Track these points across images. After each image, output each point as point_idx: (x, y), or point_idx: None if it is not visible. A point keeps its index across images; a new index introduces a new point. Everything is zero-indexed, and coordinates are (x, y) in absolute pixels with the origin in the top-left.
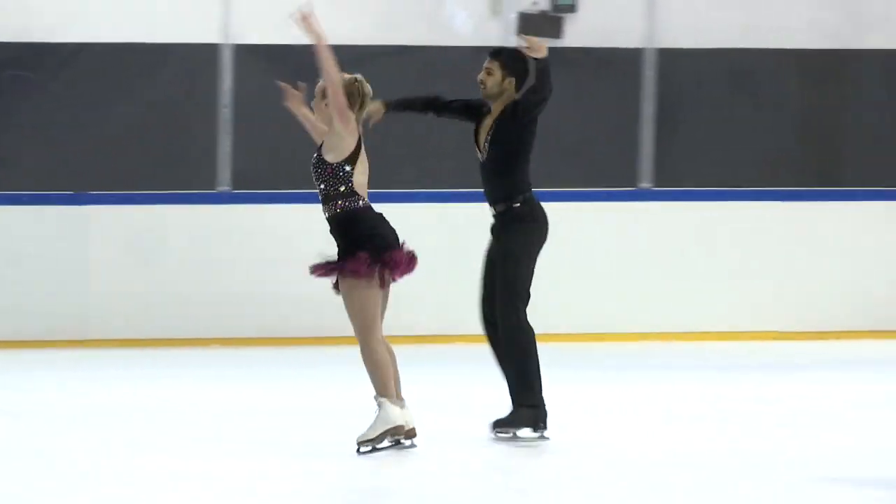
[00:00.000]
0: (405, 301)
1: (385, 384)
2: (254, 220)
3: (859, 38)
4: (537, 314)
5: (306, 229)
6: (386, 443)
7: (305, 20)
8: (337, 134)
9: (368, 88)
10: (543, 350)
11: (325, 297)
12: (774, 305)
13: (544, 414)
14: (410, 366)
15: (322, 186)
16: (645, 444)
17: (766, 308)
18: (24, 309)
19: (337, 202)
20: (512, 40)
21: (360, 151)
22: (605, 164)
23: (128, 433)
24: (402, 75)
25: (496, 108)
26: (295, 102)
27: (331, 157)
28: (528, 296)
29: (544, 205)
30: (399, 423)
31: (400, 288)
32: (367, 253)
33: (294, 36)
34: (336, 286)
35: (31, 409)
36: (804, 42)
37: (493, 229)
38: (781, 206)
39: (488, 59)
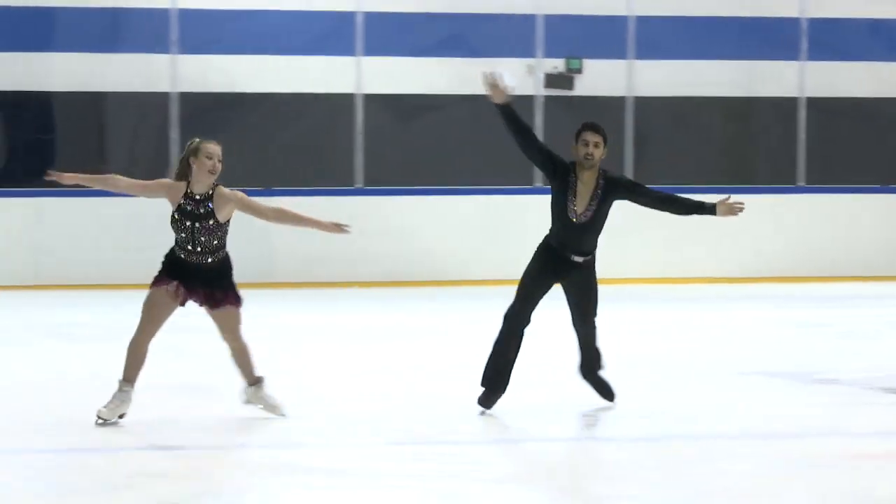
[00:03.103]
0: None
1: (128, 371)
2: None
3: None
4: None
5: None
6: (117, 419)
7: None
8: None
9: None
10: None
11: None
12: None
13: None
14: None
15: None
16: None
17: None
18: None
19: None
20: (542, 90)
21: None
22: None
23: None
24: (470, 115)
25: (589, 175)
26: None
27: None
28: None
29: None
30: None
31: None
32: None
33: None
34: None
35: None
36: None
37: (573, 271)
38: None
39: (591, 132)
